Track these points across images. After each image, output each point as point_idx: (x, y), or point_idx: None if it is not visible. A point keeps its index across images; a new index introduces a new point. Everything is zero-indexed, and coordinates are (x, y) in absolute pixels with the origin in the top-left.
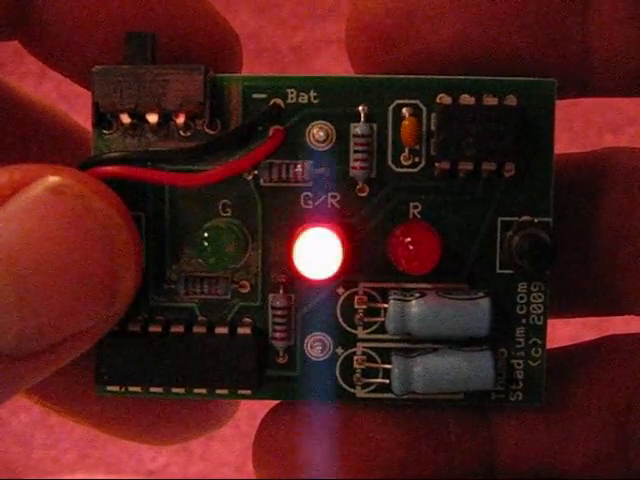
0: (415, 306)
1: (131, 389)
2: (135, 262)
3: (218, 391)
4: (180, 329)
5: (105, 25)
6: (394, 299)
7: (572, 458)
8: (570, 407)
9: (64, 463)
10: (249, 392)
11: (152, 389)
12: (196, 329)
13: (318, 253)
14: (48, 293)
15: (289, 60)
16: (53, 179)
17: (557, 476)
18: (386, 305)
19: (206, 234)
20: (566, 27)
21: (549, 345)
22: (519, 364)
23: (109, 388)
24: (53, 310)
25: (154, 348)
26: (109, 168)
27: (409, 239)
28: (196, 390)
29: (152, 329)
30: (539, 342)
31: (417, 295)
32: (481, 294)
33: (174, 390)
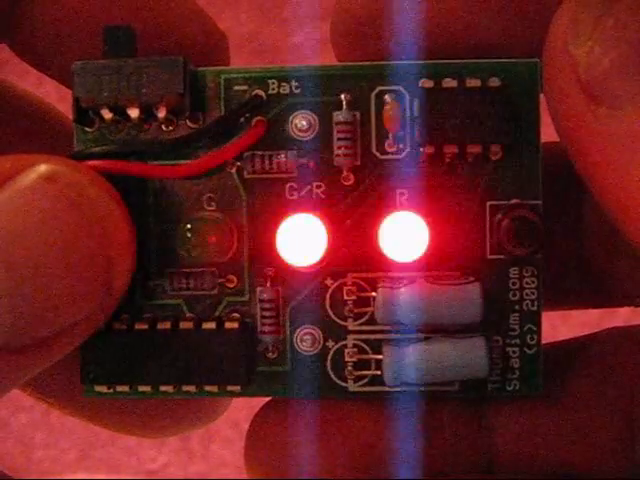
0: (404, 293)
1: (119, 389)
2: (129, 249)
3: (207, 388)
4: (167, 325)
5: (89, 24)
6: (383, 287)
7: (575, 451)
8: (571, 399)
9: (64, 463)
10: (238, 388)
11: (140, 388)
12: (183, 325)
13: (302, 240)
14: (42, 283)
15: (289, 60)
16: (46, 167)
17: (557, 471)
18: (375, 294)
19: (189, 225)
20: (540, 7)
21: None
22: (514, 352)
23: (97, 388)
24: (47, 300)
25: (141, 346)
26: (93, 162)
27: (397, 225)
28: (185, 388)
29: (138, 326)
30: (534, 329)
31: (406, 282)
32: (471, 279)
33: (162, 389)
